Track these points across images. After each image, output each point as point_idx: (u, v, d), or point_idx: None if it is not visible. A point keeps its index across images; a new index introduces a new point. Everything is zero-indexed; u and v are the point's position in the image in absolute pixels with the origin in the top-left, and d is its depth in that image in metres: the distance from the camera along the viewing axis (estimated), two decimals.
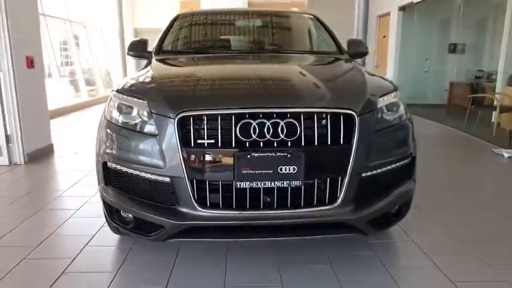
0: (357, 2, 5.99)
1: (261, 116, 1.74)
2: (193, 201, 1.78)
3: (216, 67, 2.54)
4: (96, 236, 2.50)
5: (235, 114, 1.75)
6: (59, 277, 2.03)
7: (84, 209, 2.98)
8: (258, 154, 1.72)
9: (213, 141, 1.74)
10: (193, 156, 1.75)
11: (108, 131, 1.99)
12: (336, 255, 2.27)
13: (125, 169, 1.92)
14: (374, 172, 1.89)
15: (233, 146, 1.73)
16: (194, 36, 3.25)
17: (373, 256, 2.27)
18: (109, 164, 1.97)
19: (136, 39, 3.19)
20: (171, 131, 1.76)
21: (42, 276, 2.05)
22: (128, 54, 3.16)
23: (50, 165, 4.33)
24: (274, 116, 1.75)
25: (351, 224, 1.86)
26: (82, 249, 2.34)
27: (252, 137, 1.73)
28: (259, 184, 1.74)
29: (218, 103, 1.81)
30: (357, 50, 3.12)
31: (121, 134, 1.94)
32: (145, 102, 1.89)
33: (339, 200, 1.82)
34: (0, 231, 2.58)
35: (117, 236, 2.46)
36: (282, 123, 1.74)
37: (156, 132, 1.81)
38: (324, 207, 1.82)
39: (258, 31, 3.30)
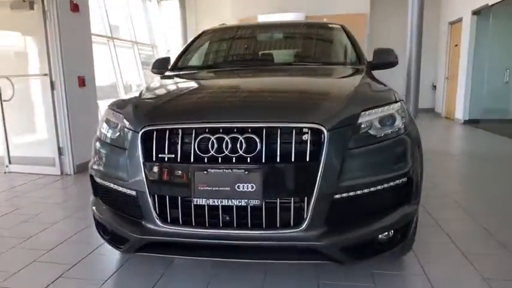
0: (410, 7, 5.56)
1: (220, 130, 1.67)
2: (155, 216, 1.75)
3: (202, 82, 2.52)
4: None
5: (195, 128, 1.70)
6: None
7: None
8: (215, 170, 1.65)
9: (173, 156, 1.71)
10: (154, 171, 1.73)
11: (96, 144, 2.08)
12: (329, 285, 2.07)
13: (102, 181, 1.98)
14: (351, 194, 1.69)
15: (191, 161, 1.68)
16: (209, 52, 3.27)
17: None
18: (93, 176, 2.05)
19: (161, 57, 3.33)
20: (136, 145, 1.77)
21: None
22: (151, 71, 3.30)
23: None
24: (235, 130, 1.66)
25: (319, 250, 1.68)
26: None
27: (210, 153, 1.66)
28: (216, 202, 1.66)
29: (180, 117, 1.78)
30: (384, 60, 2.89)
31: (102, 147, 2.01)
32: (122, 117, 1.93)
33: (305, 223, 1.65)
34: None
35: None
36: (241, 138, 1.64)
37: (126, 146, 1.83)
38: (288, 230, 1.66)
39: (274, 44, 3.22)
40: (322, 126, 1.64)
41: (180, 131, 1.71)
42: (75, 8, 4.54)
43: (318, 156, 1.62)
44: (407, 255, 2.35)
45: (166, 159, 1.71)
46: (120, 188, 1.86)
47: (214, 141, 1.66)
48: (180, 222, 1.73)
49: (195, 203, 1.68)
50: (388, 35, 10.14)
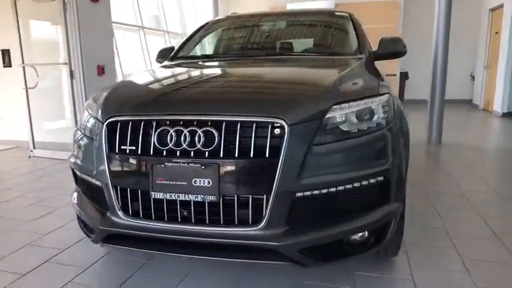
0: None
1: (180, 123, 1.63)
2: (117, 208, 1.75)
3: (179, 74, 2.46)
4: None
5: (156, 120, 1.66)
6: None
7: None
8: (172, 164, 1.61)
9: (134, 148, 1.69)
10: (117, 162, 1.72)
11: (75, 134, 2.09)
12: (310, 285, 1.99)
13: (77, 172, 2.00)
14: (315, 193, 1.59)
15: (151, 154, 1.65)
16: (205, 43, 3.21)
17: None
18: (71, 166, 2.08)
19: (166, 46, 3.32)
20: (102, 135, 1.76)
21: None
22: (156, 60, 3.31)
23: None
24: (194, 123, 1.61)
25: (276, 250, 1.60)
26: None
27: (168, 145, 1.62)
28: (173, 196, 1.63)
29: (143, 109, 1.75)
30: (389, 50, 2.71)
31: (80, 138, 2.02)
32: (96, 107, 1.93)
33: (263, 222, 1.58)
34: None
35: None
36: (199, 131, 1.59)
37: (95, 137, 1.83)
38: (245, 229, 1.59)
39: (272, 35, 3.10)
40: (283, 120, 1.55)
41: (141, 122, 1.68)
42: None
43: (278, 152, 1.54)
44: (399, 257, 2.22)
45: (128, 151, 1.69)
46: (90, 179, 1.87)
47: (173, 134, 1.62)
48: (141, 216, 1.72)
49: (153, 196, 1.65)
50: (421, 23, 9.59)
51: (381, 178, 1.71)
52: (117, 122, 1.74)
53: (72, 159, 2.04)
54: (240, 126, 1.57)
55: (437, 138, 5.50)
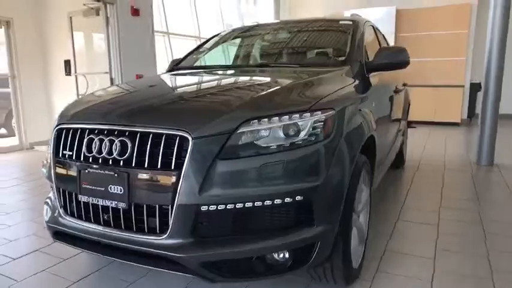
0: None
1: (105, 132, 1.73)
2: (59, 207, 1.90)
3: (140, 85, 2.52)
4: None
5: (88, 129, 1.79)
6: None
7: None
8: (93, 170, 1.71)
9: (70, 153, 1.83)
10: (59, 165, 1.88)
11: None
12: None
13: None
14: (221, 207, 1.57)
15: (81, 159, 1.77)
16: (202, 54, 3.27)
17: None
18: None
19: (177, 58, 3.49)
20: (52, 141, 1.94)
21: None
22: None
23: None
24: (115, 133, 1.70)
25: (178, 262, 1.60)
26: None
27: (92, 153, 1.73)
28: (95, 200, 1.72)
29: (81, 118, 1.88)
30: (386, 60, 2.56)
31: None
32: None
33: (168, 232, 1.60)
34: None
35: None
36: (116, 141, 1.67)
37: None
38: (153, 237, 1.62)
39: (267, 47, 3.08)
40: (188, 133, 1.56)
41: (78, 130, 1.82)
42: (135, 12, 5.04)
43: (182, 165, 1.56)
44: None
45: (66, 156, 1.84)
46: (47, 180, 2.06)
47: (97, 142, 1.72)
48: (76, 216, 1.85)
49: (80, 199, 1.77)
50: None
51: (299, 198, 1.62)
52: (62, 129, 1.90)
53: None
54: (152, 137, 1.62)
55: (488, 159, 4.90)
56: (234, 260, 1.63)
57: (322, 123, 1.72)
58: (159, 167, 1.59)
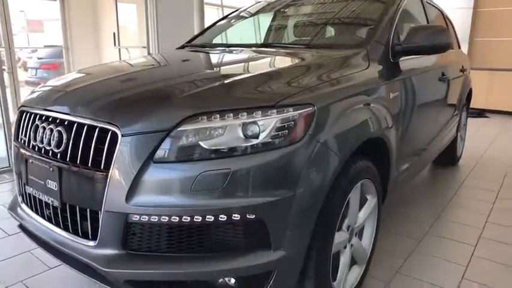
0: None
1: (50, 119, 1.55)
2: (18, 196, 1.79)
3: (123, 64, 2.30)
4: None
5: (38, 114, 1.62)
6: None
7: None
8: (35, 161, 1.55)
9: (25, 138, 1.69)
10: (15, 151, 1.75)
11: None
12: None
13: None
14: (154, 219, 1.31)
15: (30, 147, 1.62)
16: (226, 30, 2.96)
17: None
18: None
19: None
20: (14, 123, 1.82)
21: None
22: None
23: None
24: (57, 121, 1.51)
25: (102, 275, 1.39)
26: None
27: (36, 141, 1.57)
28: (37, 194, 1.57)
29: (37, 101, 1.71)
30: (418, 43, 2.08)
31: None
32: None
33: (96, 241, 1.39)
34: None
35: None
36: (54, 130, 1.48)
37: None
38: (82, 242, 1.43)
39: (286, 23, 2.67)
40: (117, 127, 1.32)
41: (32, 115, 1.66)
42: None
43: (109, 165, 1.32)
44: None
45: (22, 141, 1.71)
46: None
47: (41, 130, 1.55)
48: (28, 207, 1.72)
49: (26, 190, 1.64)
50: None
51: (250, 216, 1.31)
52: (22, 112, 1.76)
53: None
54: (86, 130, 1.40)
55: None
56: (166, 282, 1.38)
57: (293, 122, 1.37)
58: (89, 165, 1.38)
